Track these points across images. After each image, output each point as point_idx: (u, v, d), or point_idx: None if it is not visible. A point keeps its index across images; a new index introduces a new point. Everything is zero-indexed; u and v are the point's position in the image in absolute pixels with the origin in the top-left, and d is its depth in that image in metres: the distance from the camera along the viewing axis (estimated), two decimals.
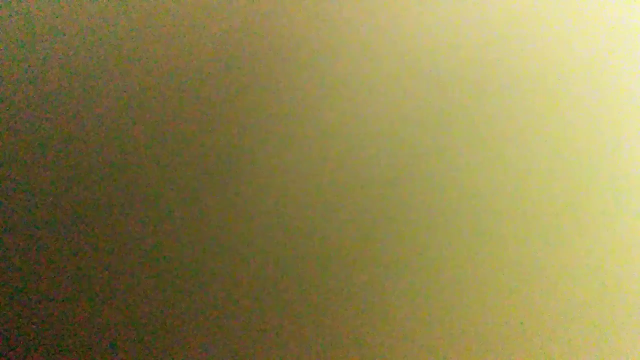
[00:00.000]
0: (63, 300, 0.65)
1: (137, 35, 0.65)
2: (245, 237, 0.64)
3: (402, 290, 0.63)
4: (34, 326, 0.65)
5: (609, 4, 0.62)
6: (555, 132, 0.62)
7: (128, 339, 0.65)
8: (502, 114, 0.62)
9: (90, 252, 0.65)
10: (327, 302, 0.63)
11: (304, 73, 0.64)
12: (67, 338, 0.65)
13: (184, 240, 0.64)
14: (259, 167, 0.64)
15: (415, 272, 0.63)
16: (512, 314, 0.62)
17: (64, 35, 0.66)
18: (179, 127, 0.65)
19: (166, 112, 0.65)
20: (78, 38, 0.66)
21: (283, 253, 0.64)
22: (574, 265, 0.61)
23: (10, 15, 0.66)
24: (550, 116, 0.62)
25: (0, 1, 0.66)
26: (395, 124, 0.63)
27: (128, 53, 0.65)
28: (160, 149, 0.65)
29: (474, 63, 0.63)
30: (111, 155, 0.65)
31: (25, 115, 0.66)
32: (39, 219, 0.65)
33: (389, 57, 0.63)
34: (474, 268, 0.62)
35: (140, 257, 0.65)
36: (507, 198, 0.62)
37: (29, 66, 0.66)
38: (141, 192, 0.65)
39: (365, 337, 0.63)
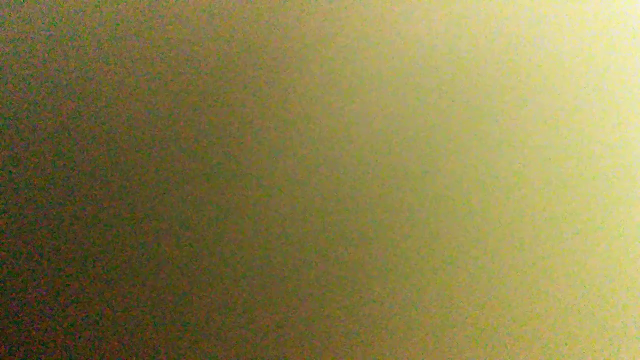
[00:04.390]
0: (62, 301, 0.65)
1: (137, 35, 0.65)
2: (245, 237, 0.64)
3: (402, 291, 0.63)
4: (33, 326, 0.65)
5: (609, 4, 0.62)
6: (556, 133, 0.62)
7: (128, 339, 0.65)
8: (503, 114, 0.62)
9: (90, 252, 0.65)
10: (328, 302, 0.63)
11: (305, 73, 0.64)
12: (67, 338, 0.65)
13: (184, 240, 0.64)
14: (259, 167, 0.64)
15: (416, 273, 0.63)
16: (513, 315, 0.62)
17: (64, 34, 0.66)
18: (180, 127, 0.65)
19: (166, 112, 0.65)
20: (78, 37, 0.66)
21: (283, 253, 0.64)
22: (574, 266, 0.61)
23: (10, 15, 0.66)
24: (552, 116, 0.62)
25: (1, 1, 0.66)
26: (397, 124, 0.63)
27: (128, 53, 0.65)
28: (160, 149, 0.65)
29: (476, 64, 0.63)
30: (110, 155, 0.65)
31: (25, 115, 0.66)
32: (38, 219, 0.65)
33: (390, 58, 0.63)
34: (475, 268, 0.62)
35: (140, 257, 0.65)
36: (508, 198, 0.62)
37: (28, 66, 0.66)
38: (141, 192, 0.65)
39: (366, 338, 0.63)
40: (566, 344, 0.61)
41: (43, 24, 0.66)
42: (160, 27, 0.65)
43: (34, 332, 0.65)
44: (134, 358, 0.64)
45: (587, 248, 0.61)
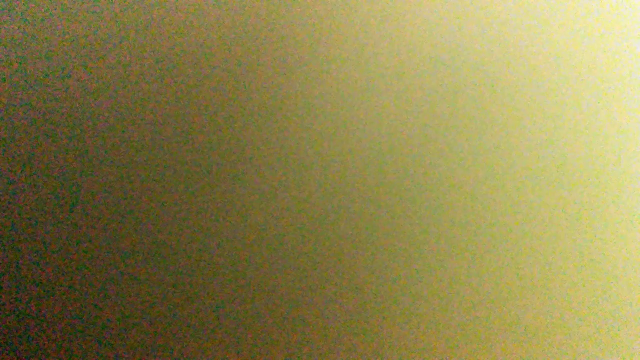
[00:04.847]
0: (61, 301, 0.65)
1: (138, 35, 0.65)
2: (244, 237, 0.64)
3: (402, 291, 0.63)
4: (33, 326, 0.65)
5: (609, 4, 0.62)
6: (556, 133, 0.62)
7: (127, 339, 0.65)
8: (502, 114, 0.62)
9: (90, 252, 0.65)
10: (327, 303, 0.63)
11: (305, 73, 0.64)
12: (67, 338, 0.65)
13: (184, 240, 0.64)
14: (259, 167, 0.64)
15: (416, 273, 0.63)
16: (513, 315, 0.62)
17: (64, 35, 0.66)
18: (179, 127, 0.65)
19: (166, 112, 0.65)
20: (78, 37, 0.66)
21: (283, 253, 0.64)
22: (574, 266, 0.61)
23: (10, 15, 0.66)
24: (552, 117, 0.62)
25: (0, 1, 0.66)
26: (396, 124, 0.63)
27: (128, 53, 0.65)
28: (160, 149, 0.65)
29: (476, 64, 0.63)
30: (110, 155, 0.65)
31: (25, 115, 0.66)
32: (38, 219, 0.66)
33: (390, 58, 0.63)
34: (475, 269, 0.62)
35: (140, 257, 0.65)
36: (508, 198, 0.62)
37: (28, 66, 0.66)
38: (141, 192, 0.65)
39: (365, 338, 0.63)
40: (566, 344, 0.61)
41: (43, 24, 0.66)
42: (161, 27, 0.65)
43: (34, 332, 0.65)
44: (134, 358, 0.65)
45: (587, 248, 0.61)
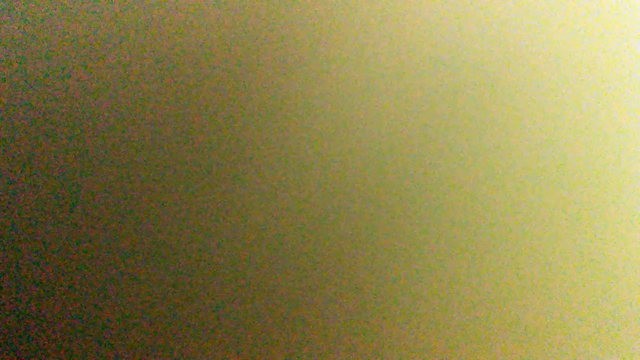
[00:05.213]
0: (61, 301, 0.65)
1: (138, 35, 0.65)
2: (244, 237, 0.64)
3: (402, 291, 0.63)
4: (33, 326, 0.65)
5: (609, 4, 0.62)
6: (556, 133, 0.62)
7: (128, 339, 0.65)
8: (502, 114, 0.62)
9: (90, 252, 0.65)
10: (327, 303, 0.63)
11: (305, 73, 0.64)
12: (67, 338, 0.65)
13: (184, 240, 0.64)
14: (259, 167, 0.64)
15: (416, 273, 0.63)
16: (513, 315, 0.62)
17: (64, 35, 0.66)
18: (179, 127, 0.65)
19: (166, 112, 0.65)
20: (79, 37, 0.66)
21: (283, 253, 0.64)
22: (574, 266, 0.61)
23: (10, 15, 0.66)
24: (552, 117, 0.62)
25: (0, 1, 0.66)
26: (396, 124, 0.63)
27: (128, 53, 0.65)
28: (160, 149, 0.65)
29: (476, 64, 0.63)
30: (110, 155, 0.65)
31: (25, 115, 0.66)
32: (38, 219, 0.65)
33: (390, 58, 0.63)
34: (475, 269, 0.62)
35: (140, 257, 0.65)
36: (508, 198, 0.62)
37: (28, 66, 0.66)
38: (141, 192, 0.65)
39: (365, 338, 0.63)
40: (566, 344, 0.61)
41: (43, 24, 0.66)
42: (161, 27, 0.65)
43: (34, 332, 0.65)
44: (134, 358, 0.65)
45: (587, 248, 0.61)
